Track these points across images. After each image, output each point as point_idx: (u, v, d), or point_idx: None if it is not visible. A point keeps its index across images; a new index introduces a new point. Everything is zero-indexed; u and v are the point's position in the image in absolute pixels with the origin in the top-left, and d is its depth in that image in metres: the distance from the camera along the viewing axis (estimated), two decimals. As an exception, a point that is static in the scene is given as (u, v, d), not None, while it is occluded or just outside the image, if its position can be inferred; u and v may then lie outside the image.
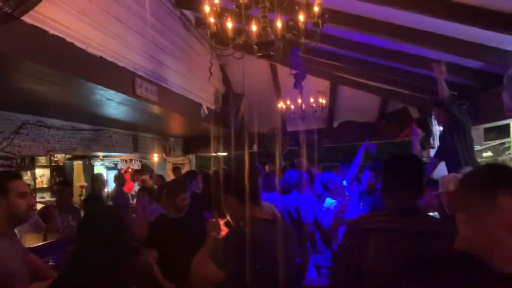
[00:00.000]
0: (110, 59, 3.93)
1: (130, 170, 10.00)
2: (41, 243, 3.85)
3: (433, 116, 6.50)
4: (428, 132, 6.50)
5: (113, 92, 4.06)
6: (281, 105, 7.20)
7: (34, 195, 7.27)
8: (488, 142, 7.68)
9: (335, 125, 8.74)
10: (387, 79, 6.14)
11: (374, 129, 8.13)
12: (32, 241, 3.93)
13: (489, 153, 8.24)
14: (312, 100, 6.96)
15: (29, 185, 6.72)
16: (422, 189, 1.81)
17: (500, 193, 1.06)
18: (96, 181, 6.26)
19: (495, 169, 1.18)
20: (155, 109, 5.21)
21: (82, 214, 4.53)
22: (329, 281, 2.02)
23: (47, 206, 5.19)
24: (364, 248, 1.65)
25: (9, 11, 2.32)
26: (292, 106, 7.13)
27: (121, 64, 4.15)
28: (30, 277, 2.35)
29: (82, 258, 1.97)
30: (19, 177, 2.40)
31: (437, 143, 6.45)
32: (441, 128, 4.56)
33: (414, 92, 6.36)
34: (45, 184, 9.15)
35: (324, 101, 7.16)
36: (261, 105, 8.08)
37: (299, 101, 7.03)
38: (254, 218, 1.91)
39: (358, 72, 6.36)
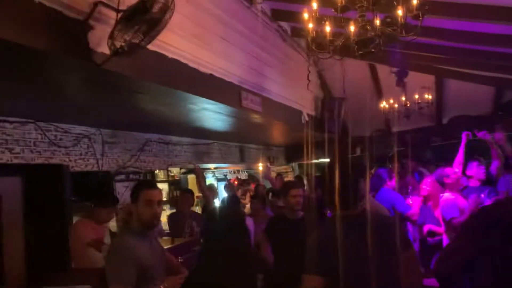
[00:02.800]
0: (218, 75, 4.29)
1: (236, 181, 10.51)
2: (169, 246, 4.28)
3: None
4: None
5: (222, 105, 4.42)
6: (383, 105, 7.02)
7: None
8: None
9: (444, 121, 8.23)
10: (500, 66, 5.64)
11: (490, 122, 7.47)
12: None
13: None
14: (417, 97, 6.68)
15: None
16: None
17: None
18: (209, 191, 6.75)
19: None
20: (259, 118, 5.50)
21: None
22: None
23: (175, 212, 5.72)
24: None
25: (138, 42, 2.71)
26: (396, 105, 6.92)
27: (228, 79, 4.50)
28: (166, 271, 2.68)
29: (209, 254, 2.21)
30: (153, 187, 2.62)
31: None
32: None
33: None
34: (164, 197, 10.04)
35: (430, 97, 6.82)
36: (363, 107, 7.95)
37: (403, 99, 6.80)
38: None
39: (466, 63, 5.95)
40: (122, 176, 5.58)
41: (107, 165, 5.36)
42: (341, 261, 1.71)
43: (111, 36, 2.67)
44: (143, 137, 5.82)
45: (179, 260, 3.45)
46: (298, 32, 6.19)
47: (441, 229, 4.17)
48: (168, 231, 5.21)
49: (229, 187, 7.66)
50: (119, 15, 2.65)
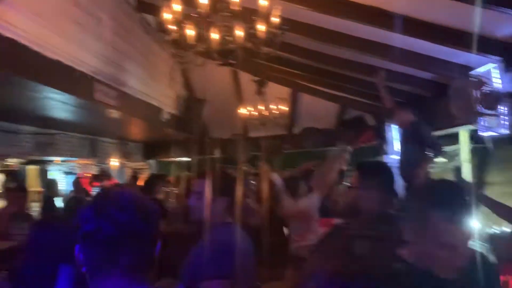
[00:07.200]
0: (67, 62, 3.84)
1: (86, 175, 9.72)
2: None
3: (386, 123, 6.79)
4: (383, 139, 6.75)
5: (71, 96, 3.99)
6: (243, 111, 7.27)
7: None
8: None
9: (295, 131, 8.90)
10: (344, 87, 6.34)
11: (334, 136, 8.34)
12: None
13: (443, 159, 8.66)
14: (273, 106, 7.09)
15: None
16: (395, 196, 1.79)
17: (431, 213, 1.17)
18: (49, 187, 6.10)
19: (430, 189, 1.29)
20: (114, 113, 5.14)
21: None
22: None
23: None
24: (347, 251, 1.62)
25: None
26: (254, 112, 7.22)
27: (79, 68, 4.07)
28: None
29: (34, 267, 1.94)
30: None
31: (391, 150, 6.73)
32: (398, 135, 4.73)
33: (370, 100, 6.60)
34: (-1, 189, 8.74)
35: (285, 108, 7.30)
36: (223, 110, 8.13)
37: (260, 107, 7.14)
38: None
39: (317, 80, 6.53)
40: None
41: None
42: None
43: None
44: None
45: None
46: (162, 27, 5.98)
47: None
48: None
49: (76, 184, 7.01)
50: None
